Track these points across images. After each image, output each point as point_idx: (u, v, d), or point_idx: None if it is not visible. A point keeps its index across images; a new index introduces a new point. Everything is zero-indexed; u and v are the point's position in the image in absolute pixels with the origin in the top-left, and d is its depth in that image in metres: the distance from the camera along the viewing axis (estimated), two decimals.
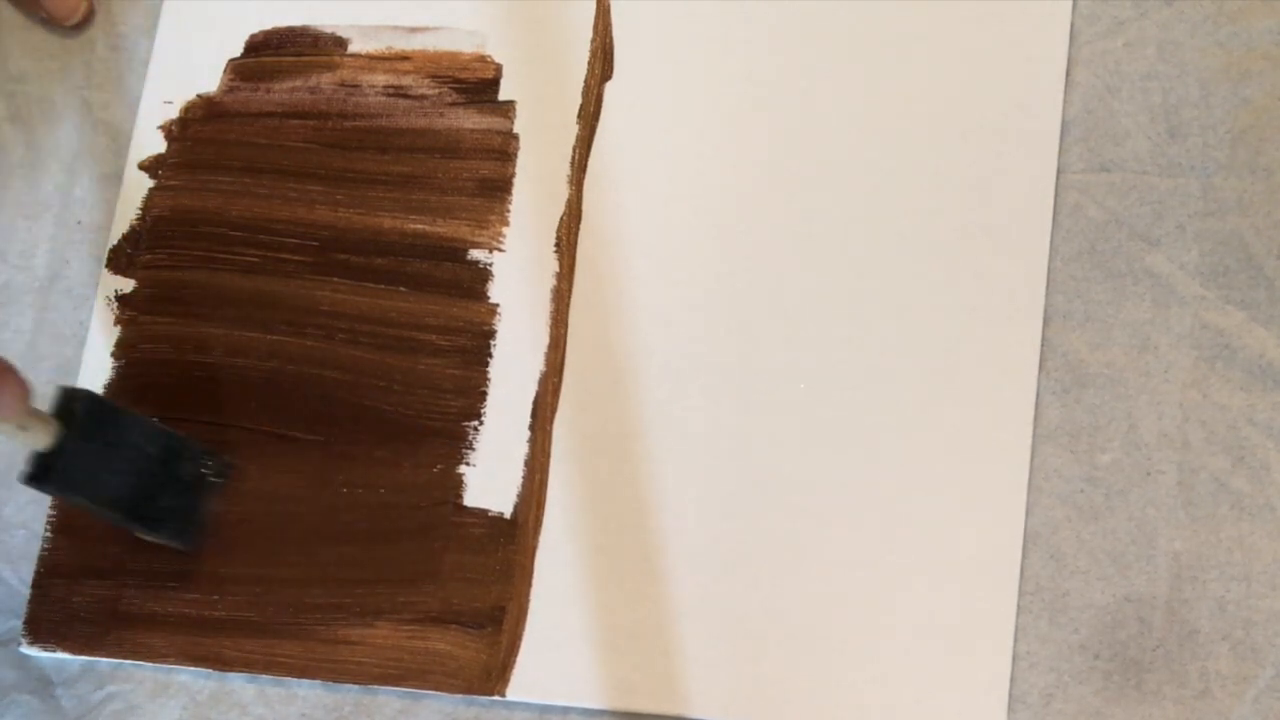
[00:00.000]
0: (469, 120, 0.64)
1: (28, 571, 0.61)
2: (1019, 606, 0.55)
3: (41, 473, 0.54)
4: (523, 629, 0.58)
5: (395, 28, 0.65)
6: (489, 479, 0.59)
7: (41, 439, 0.54)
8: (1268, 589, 0.54)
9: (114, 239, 0.65)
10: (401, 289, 0.62)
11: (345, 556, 0.59)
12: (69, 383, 0.61)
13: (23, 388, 0.48)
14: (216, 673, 0.60)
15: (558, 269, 0.61)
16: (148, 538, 0.59)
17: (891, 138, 0.60)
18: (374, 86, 0.65)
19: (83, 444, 0.55)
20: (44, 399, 0.55)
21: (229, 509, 0.61)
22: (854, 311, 0.59)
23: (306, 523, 0.60)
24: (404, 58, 0.65)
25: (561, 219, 0.62)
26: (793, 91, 0.61)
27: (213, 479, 0.60)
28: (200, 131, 0.65)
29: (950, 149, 0.59)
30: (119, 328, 0.64)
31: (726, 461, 0.58)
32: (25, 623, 0.61)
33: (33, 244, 0.66)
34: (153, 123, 0.66)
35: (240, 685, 0.60)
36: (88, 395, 0.56)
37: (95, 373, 0.63)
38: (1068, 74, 0.59)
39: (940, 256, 0.58)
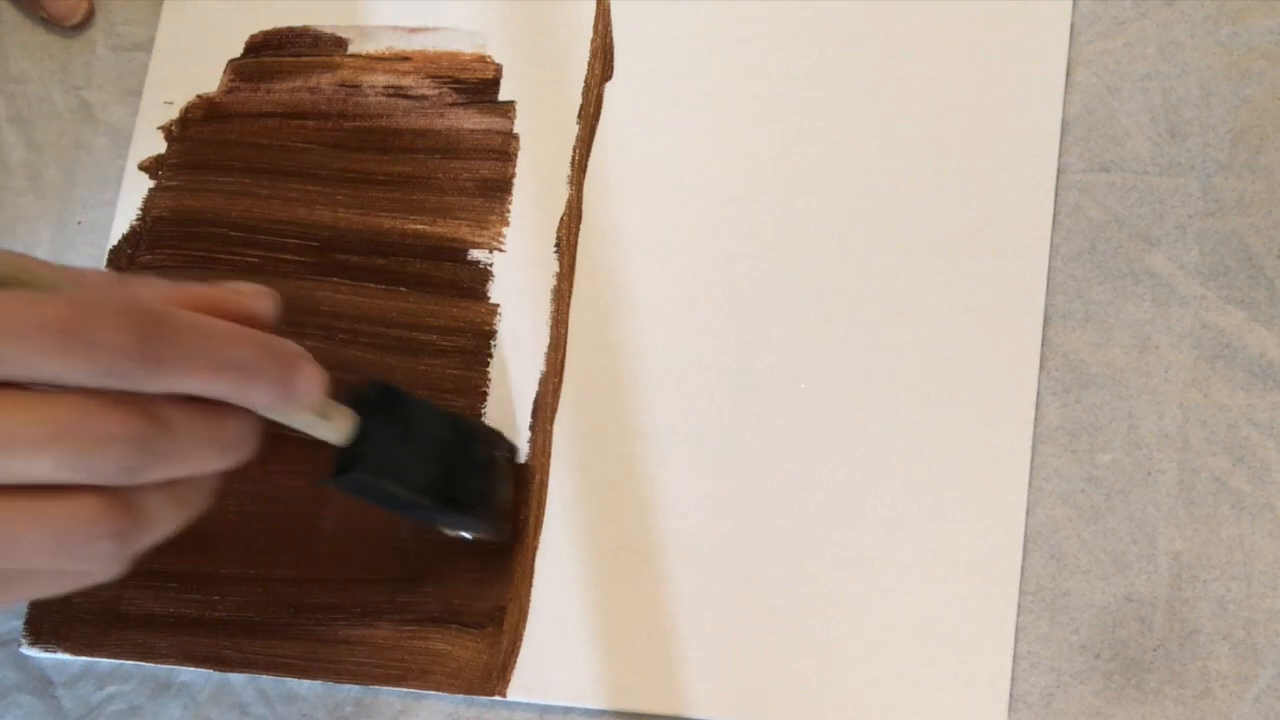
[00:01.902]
0: (469, 120, 0.64)
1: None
2: (1019, 606, 0.55)
3: (349, 463, 0.51)
4: (523, 629, 0.58)
5: (395, 28, 0.65)
6: None
7: (342, 429, 0.50)
8: (1268, 589, 0.54)
9: (114, 239, 0.65)
10: (402, 289, 0.62)
11: (345, 556, 0.59)
12: None
13: (322, 373, 0.46)
14: (217, 673, 0.60)
15: (558, 269, 0.61)
16: (453, 532, 0.57)
17: (891, 137, 0.60)
18: (374, 87, 0.65)
19: (380, 433, 0.52)
20: None
21: (228, 509, 0.61)
22: (854, 311, 0.59)
23: (306, 523, 0.60)
24: (404, 58, 0.65)
25: (562, 219, 0.62)
26: (793, 91, 0.61)
27: (508, 460, 0.58)
28: (200, 132, 0.65)
29: (950, 149, 0.59)
30: None
31: (726, 461, 0.58)
32: (25, 623, 0.61)
33: (33, 244, 0.66)
34: (153, 123, 0.66)
35: (241, 685, 0.60)
36: (376, 381, 0.53)
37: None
38: (1068, 74, 0.59)
39: (940, 256, 0.58)
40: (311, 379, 0.46)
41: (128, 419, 0.42)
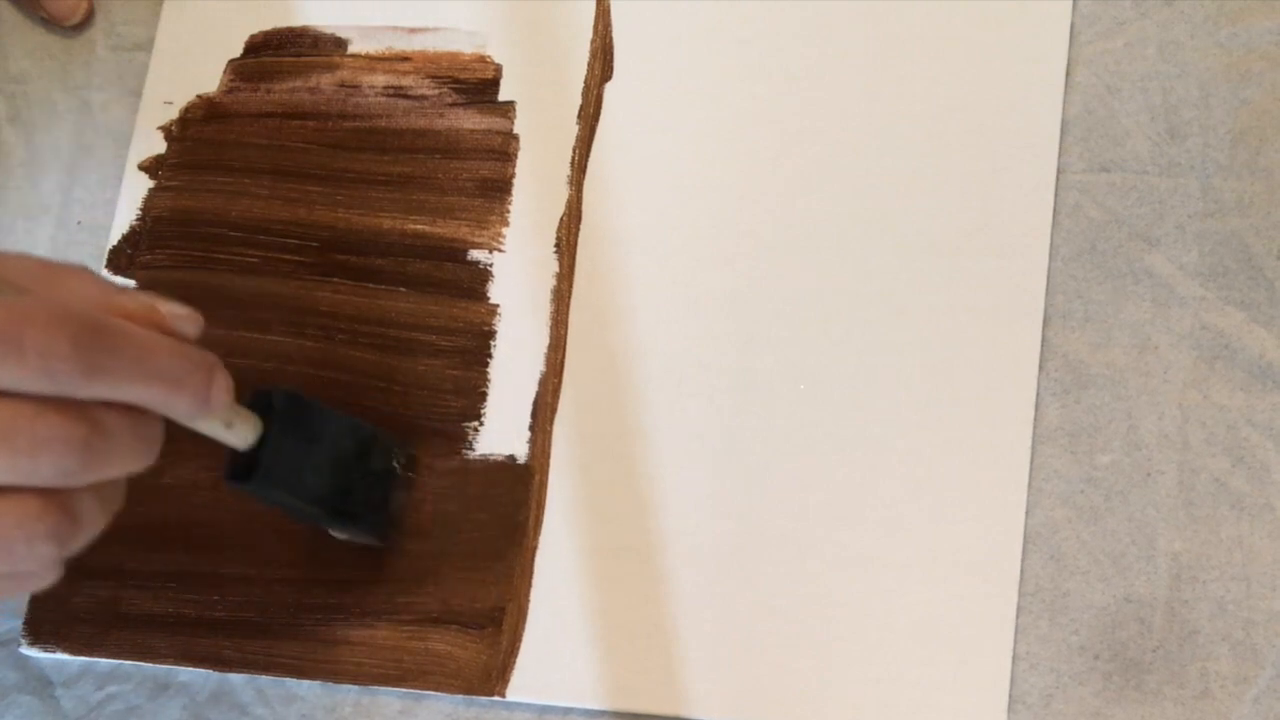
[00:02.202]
0: (469, 121, 0.64)
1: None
2: (1019, 607, 0.55)
3: (243, 472, 0.53)
4: (523, 629, 0.58)
5: (395, 28, 0.65)
6: None
7: (246, 436, 0.52)
8: (1268, 589, 0.54)
9: (114, 239, 0.65)
10: (401, 289, 0.62)
11: (345, 557, 0.59)
12: None
13: (230, 382, 0.47)
14: (216, 673, 0.60)
15: (558, 269, 0.61)
16: (341, 536, 0.58)
17: (891, 137, 0.60)
18: (374, 87, 0.65)
19: (283, 440, 0.53)
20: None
21: (228, 509, 0.61)
22: (854, 311, 0.59)
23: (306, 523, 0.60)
24: (404, 58, 0.65)
25: (561, 219, 0.62)
26: (792, 92, 0.61)
27: (402, 472, 0.59)
28: (200, 132, 0.65)
29: (950, 149, 0.59)
30: None
31: (726, 461, 0.58)
32: (25, 623, 0.61)
33: (33, 244, 0.66)
34: (153, 123, 0.66)
35: (240, 685, 0.60)
36: (285, 391, 0.54)
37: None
38: (1068, 74, 0.59)
39: (940, 256, 0.58)
40: (223, 390, 0.47)
41: (67, 422, 0.42)
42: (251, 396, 0.53)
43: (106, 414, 0.44)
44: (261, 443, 0.52)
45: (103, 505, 0.46)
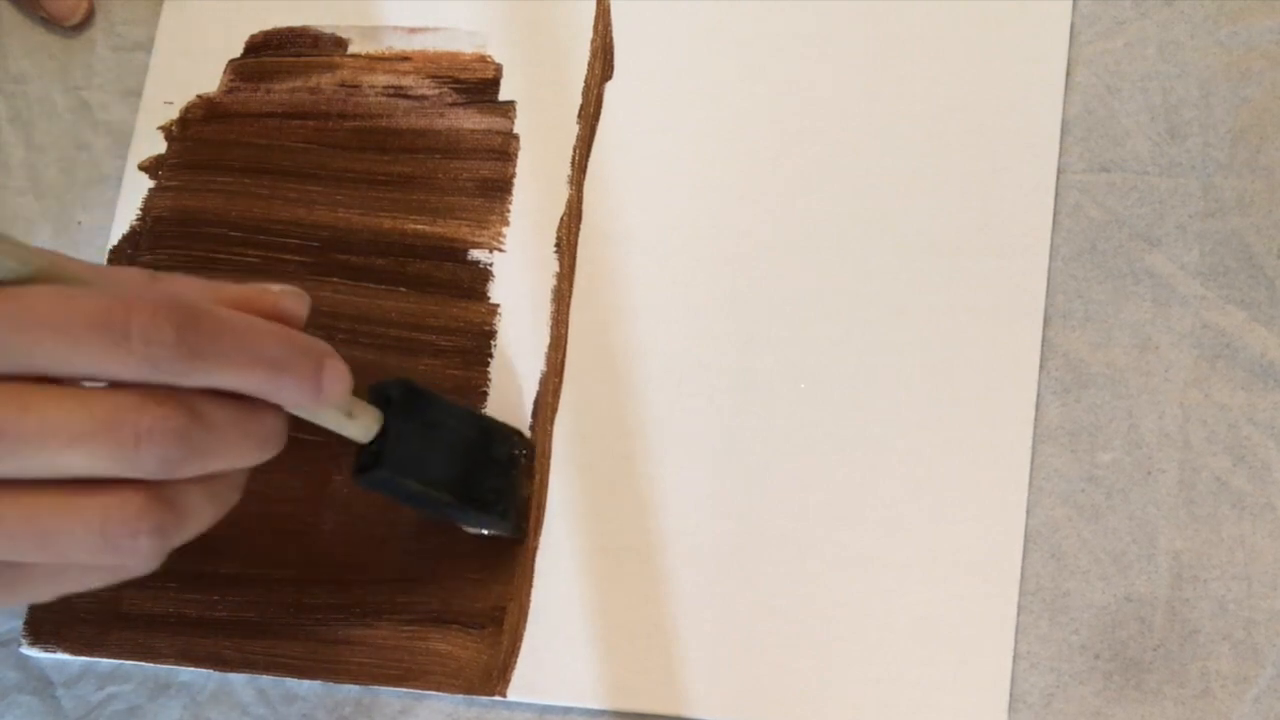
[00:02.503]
0: (469, 120, 0.64)
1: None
2: (1019, 606, 0.55)
3: (372, 461, 0.52)
4: (523, 629, 0.58)
5: (395, 28, 0.65)
6: None
7: (368, 427, 0.51)
8: (1269, 589, 0.54)
9: (114, 239, 0.65)
10: (402, 289, 0.62)
11: (345, 556, 0.59)
12: None
13: (346, 370, 0.47)
14: (217, 673, 0.60)
15: (558, 269, 0.61)
16: (473, 529, 0.57)
17: (891, 137, 0.60)
18: (374, 87, 0.65)
19: (405, 430, 0.52)
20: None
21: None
22: (854, 311, 0.59)
23: (306, 523, 0.60)
24: (404, 58, 0.65)
25: (562, 219, 0.62)
26: (792, 91, 0.61)
27: (526, 459, 0.59)
28: (200, 132, 0.65)
29: (950, 149, 0.59)
30: None
31: (726, 461, 0.58)
32: (25, 623, 0.61)
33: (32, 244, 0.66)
34: (153, 123, 0.66)
35: (241, 685, 0.60)
36: (401, 381, 0.53)
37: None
38: (1068, 74, 0.59)
39: (940, 256, 0.58)
40: (339, 377, 0.47)
41: (169, 413, 0.42)
42: (369, 388, 0.52)
43: (210, 404, 0.44)
44: (383, 434, 0.52)
45: (212, 499, 0.46)
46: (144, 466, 0.42)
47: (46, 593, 0.46)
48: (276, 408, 0.46)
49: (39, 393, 0.42)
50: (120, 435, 0.42)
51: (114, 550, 0.43)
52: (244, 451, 0.45)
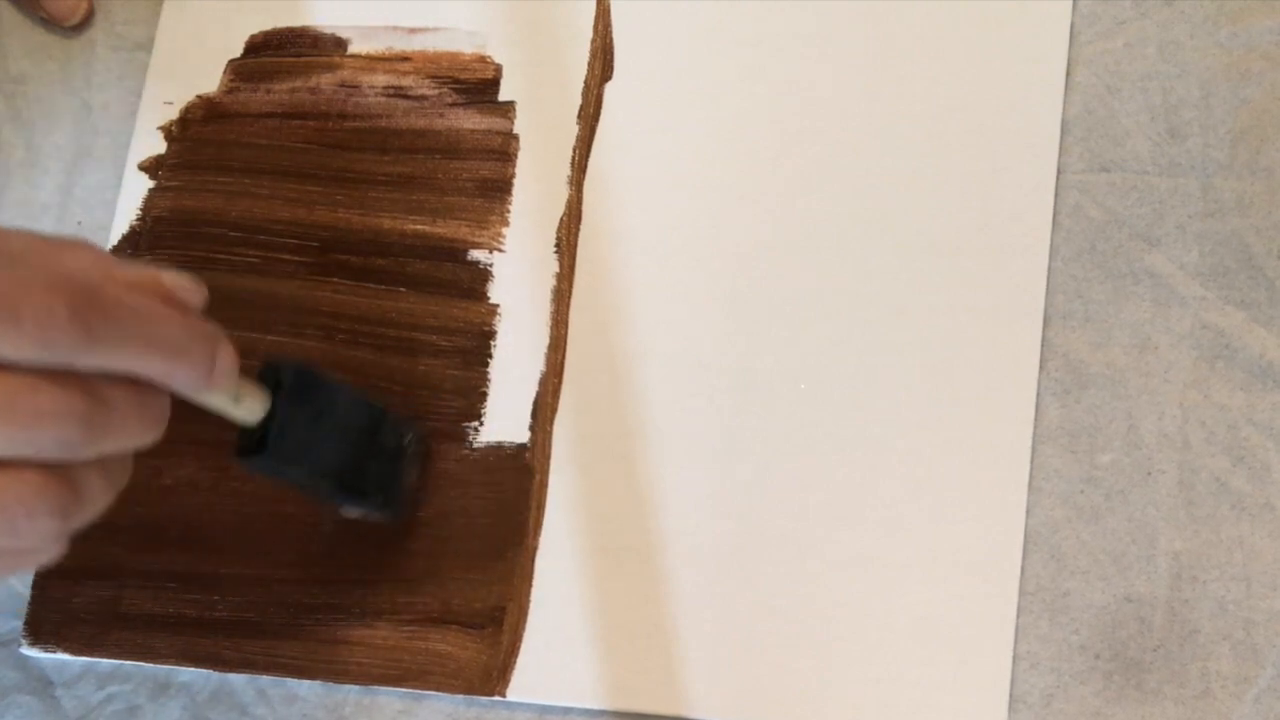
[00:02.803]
0: (469, 121, 0.64)
1: (28, 572, 0.61)
2: (1019, 607, 0.55)
3: (255, 446, 0.52)
4: (523, 629, 0.58)
5: (395, 28, 0.65)
6: None
7: (254, 411, 0.51)
8: (1268, 589, 0.54)
9: (114, 239, 0.65)
10: (401, 289, 0.62)
11: (345, 557, 0.59)
12: None
13: (235, 355, 0.47)
14: (217, 673, 0.60)
15: (558, 269, 0.61)
16: (352, 514, 0.58)
17: (891, 137, 0.60)
18: (374, 87, 0.65)
19: (292, 415, 0.52)
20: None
21: (228, 509, 0.61)
22: (854, 311, 0.59)
23: (306, 523, 0.60)
24: (404, 58, 0.65)
25: (562, 219, 0.62)
26: (792, 91, 0.61)
27: (412, 449, 0.59)
28: (200, 132, 0.65)
29: (950, 149, 0.59)
30: None
31: (726, 461, 0.58)
32: (26, 623, 0.61)
33: None
34: (153, 123, 0.66)
35: (241, 686, 0.60)
36: (294, 364, 0.53)
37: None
38: (1068, 74, 0.59)
39: (940, 256, 0.58)
40: (228, 361, 0.47)
41: (69, 394, 0.42)
42: (260, 370, 0.52)
43: (107, 386, 0.43)
44: (270, 418, 0.52)
45: (107, 480, 0.45)
46: (42, 448, 0.42)
47: None
48: (163, 391, 0.46)
49: None
50: (14, 417, 0.41)
51: (12, 532, 0.42)
52: (139, 433, 0.45)
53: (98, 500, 0.45)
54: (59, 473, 0.43)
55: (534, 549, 0.58)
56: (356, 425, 0.56)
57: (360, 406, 0.57)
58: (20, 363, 0.41)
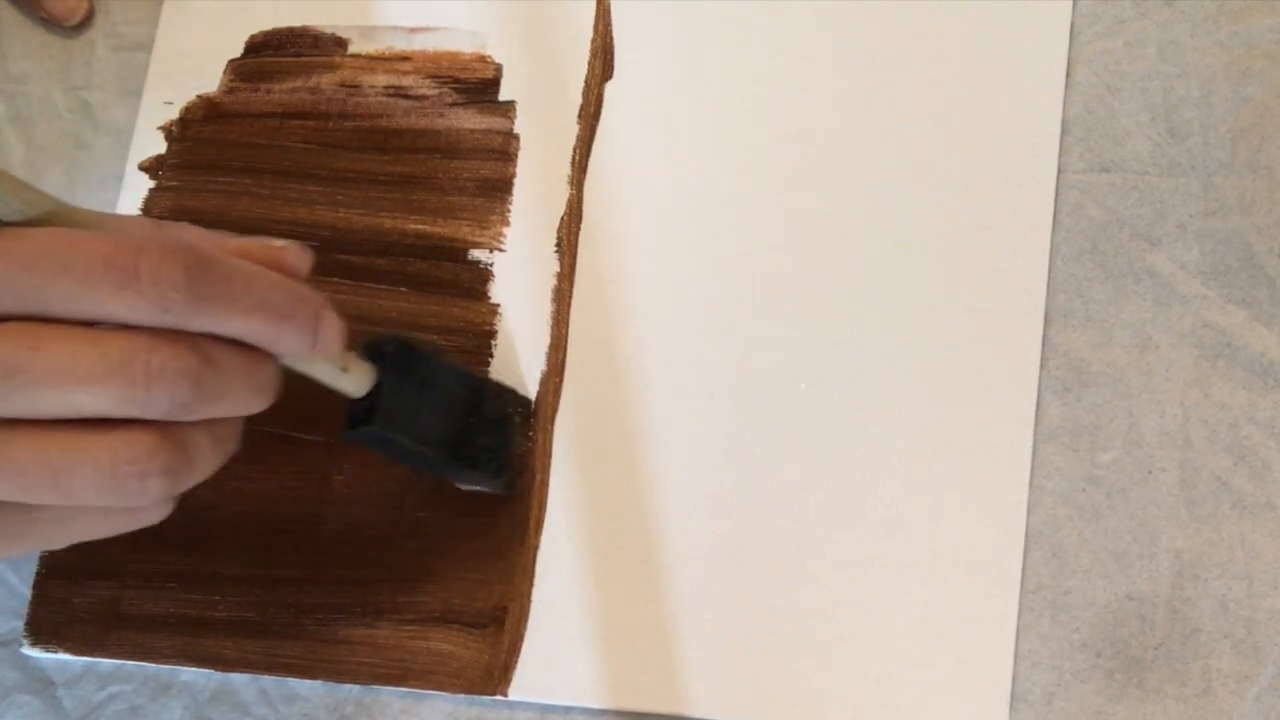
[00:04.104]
0: (469, 120, 0.64)
1: (28, 572, 0.61)
2: (1020, 605, 0.55)
3: (363, 417, 0.52)
4: (524, 629, 0.58)
5: (395, 28, 0.65)
6: None
7: (360, 382, 0.52)
8: (1270, 588, 0.54)
9: None
10: (402, 289, 0.62)
11: (346, 556, 0.59)
12: None
13: (341, 323, 0.48)
14: (218, 673, 0.60)
15: (559, 269, 0.61)
16: (466, 485, 0.58)
17: (891, 138, 0.60)
18: (374, 87, 0.65)
19: (398, 386, 0.53)
20: None
21: (228, 509, 0.61)
22: (854, 311, 0.59)
23: (306, 523, 0.60)
24: (404, 58, 0.65)
25: (562, 219, 0.62)
26: (793, 91, 0.61)
27: (520, 418, 0.59)
28: (200, 132, 0.65)
29: (950, 149, 0.59)
30: None
31: (727, 461, 0.58)
32: (26, 623, 0.61)
33: None
34: (153, 123, 0.66)
35: (242, 685, 0.60)
36: (395, 338, 0.54)
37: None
38: (1068, 74, 0.59)
39: (940, 256, 0.59)
40: (334, 328, 0.47)
41: (181, 353, 0.43)
42: (363, 344, 0.53)
43: (219, 348, 0.44)
44: (376, 390, 0.52)
45: (215, 444, 0.46)
46: (155, 407, 0.43)
47: (55, 538, 0.46)
48: (272, 356, 0.47)
49: (49, 331, 0.42)
50: (131, 375, 0.42)
51: (123, 490, 0.43)
52: (247, 398, 0.46)
53: (206, 463, 0.46)
54: (170, 433, 0.44)
55: (535, 548, 0.58)
56: (461, 396, 0.57)
57: (462, 378, 0.57)
58: (137, 323, 0.42)
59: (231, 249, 0.46)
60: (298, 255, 0.48)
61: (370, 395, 0.52)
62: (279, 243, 0.48)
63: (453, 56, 0.65)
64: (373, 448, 0.54)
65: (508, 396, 0.59)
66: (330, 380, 0.51)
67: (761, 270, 0.60)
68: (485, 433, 0.57)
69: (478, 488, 0.58)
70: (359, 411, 0.52)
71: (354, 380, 0.51)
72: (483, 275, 0.62)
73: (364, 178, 0.63)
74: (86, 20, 0.68)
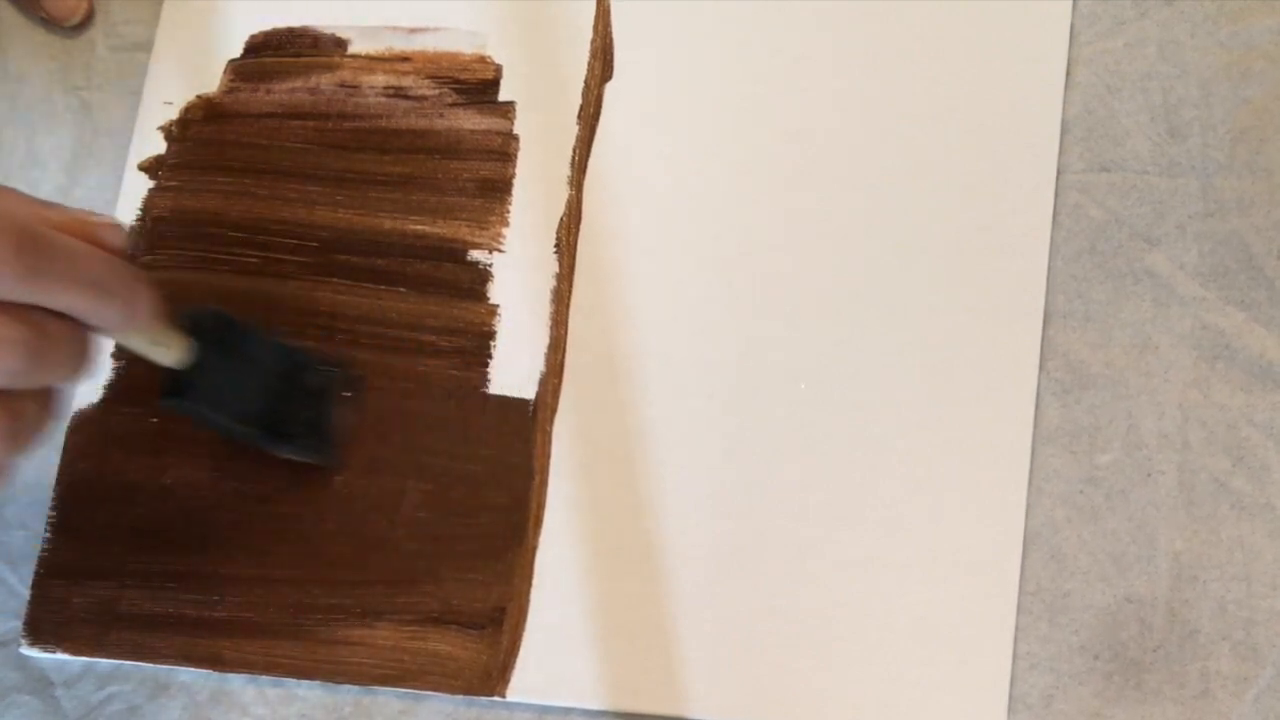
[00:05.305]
0: (469, 121, 0.64)
1: (28, 572, 0.61)
2: (1019, 607, 0.55)
3: (178, 390, 0.54)
4: (523, 629, 0.58)
5: (395, 28, 0.65)
6: None
7: (176, 355, 0.53)
8: (1268, 589, 0.54)
9: None
10: (401, 290, 0.62)
11: (345, 556, 0.59)
12: None
13: (157, 297, 0.50)
14: (216, 673, 0.60)
15: (558, 270, 0.61)
16: (285, 454, 0.59)
17: (891, 138, 0.60)
18: (374, 87, 0.65)
19: (214, 360, 0.55)
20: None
21: (229, 509, 0.61)
22: (854, 311, 0.59)
23: (306, 523, 0.60)
24: (404, 58, 0.65)
25: (562, 220, 0.62)
26: (793, 91, 0.61)
27: (343, 391, 0.60)
28: (200, 132, 0.65)
29: (950, 149, 0.59)
30: None
31: (726, 461, 0.58)
32: (25, 623, 0.61)
33: None
34: (153, 123, 0.66)
35: (240, 686, 0.60)
36: (214, 311, 0.56)
37: (96, 373, 0.63)
38: (1068, 74, 0.59)
39: (940, 256, 0.58)
40: (149, 303, 0.49)
41: (14, 324, 0.44)
42: (181, 316, 0.54)
43: (47, 319, 0.45)
44: (192, 363, 0.54)
45: (45, 413, 0.48)
46: None
47: None
48: (89, 329, 0.48)
49: None
50: None
51: None
52: (73, 367, 0.47)
53: (38, 431, 0.47)
54: (3, 400, 0.45)
55: (534, 549, 0.58)
56: (278, 369, 0.58)
57: (282, 352, 0.58)
58: None
59: (53, 222, 0.47)
60: (114, 231, 0.49)
61: (189, 368, 0.54)
62: (98, 217, 0.49)
63: (453, 57, 0.65)
64: (189, 417, 0.56)
65: (330, 370, 0.60)
66: (146, 353, 0.52)
67: (761, 270, 0.60)
68: (303, 405, 0.59)
69: (295, 458, 0.59)
70: (173, 383, 0.54)
71: (169, 354, 0.53)
72: (482, 276, 0.62)
73: (363, 178, 0.63)
74: (86, 20, 0.68)
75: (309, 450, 0.59)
